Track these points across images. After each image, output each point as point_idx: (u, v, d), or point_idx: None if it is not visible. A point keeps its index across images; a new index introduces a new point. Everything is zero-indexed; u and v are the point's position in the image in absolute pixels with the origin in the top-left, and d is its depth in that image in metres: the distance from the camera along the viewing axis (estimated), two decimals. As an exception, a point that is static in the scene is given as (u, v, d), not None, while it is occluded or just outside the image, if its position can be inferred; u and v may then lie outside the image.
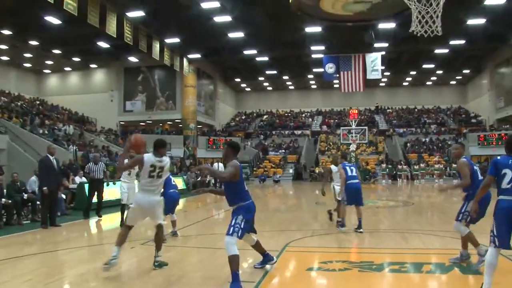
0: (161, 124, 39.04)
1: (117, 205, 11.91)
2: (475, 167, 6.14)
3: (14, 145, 21.45)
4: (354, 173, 9.74)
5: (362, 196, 9.80)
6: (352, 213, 10.19)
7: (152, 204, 6.02)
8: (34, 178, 13.36)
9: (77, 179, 16.28)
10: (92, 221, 12.10)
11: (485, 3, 23.09)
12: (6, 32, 27.36)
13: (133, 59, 34.05)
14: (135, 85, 36.95)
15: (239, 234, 5.14)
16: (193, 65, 34.08)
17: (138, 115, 37.05)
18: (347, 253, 7.65)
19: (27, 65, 37.40)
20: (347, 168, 9.77)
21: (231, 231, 5.11)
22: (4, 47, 31.59)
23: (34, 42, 30.03)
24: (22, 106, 30.53)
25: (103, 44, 29.16)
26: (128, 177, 10.48)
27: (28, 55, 34.28)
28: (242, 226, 5.19)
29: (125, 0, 21.76)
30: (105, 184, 12.66)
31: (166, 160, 6.07)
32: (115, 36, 21.50)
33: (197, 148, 34.90)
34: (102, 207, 12.74)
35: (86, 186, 14.37)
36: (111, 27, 20.82)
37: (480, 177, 5.98)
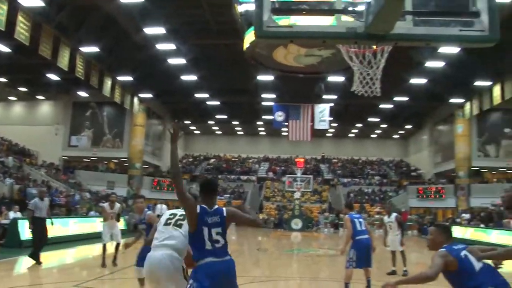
0: (106, 162, 38.23)
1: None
2: None
3: None
4: (363, 227, 7.92)
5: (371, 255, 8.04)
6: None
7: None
8: None
9: (11, 214, 15.54)
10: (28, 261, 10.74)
11: (426, 65, 24.71)
12: None
13: (83, 93, 33.48)
14: (82, 120, 36.22)
15: None
16: (144, 104, 33.97)
17: (83, 151, 36.13)
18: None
19: (-32, 91, 36.02)
20: (356, 220, 7.95)
21: None
22: None
23: (-23, 68, 29.04)
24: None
25: (52, 76, 28.48)
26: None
27: (-31, 81, 33.02)
28: None
29: (81, 35, 21.70)
30: (48, 222, 11.29)
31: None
32: (66, 69, 21.27)
33: (140, 188, 34.28)
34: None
35: (21, 222, 13.72)
36: (63, 60, 20.56)
37: None
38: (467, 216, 28.07)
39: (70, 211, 22.58)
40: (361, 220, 8.04)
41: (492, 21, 3.07)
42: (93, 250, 14.59)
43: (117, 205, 11.25)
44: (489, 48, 3.40)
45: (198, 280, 3.76)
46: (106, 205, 11.37)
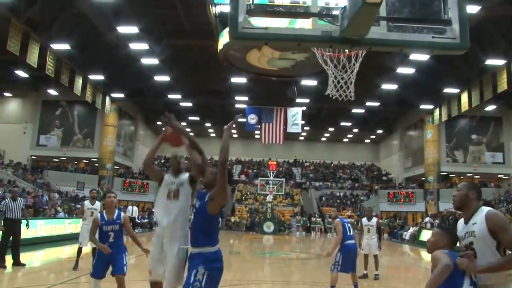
0: (76, 162, 37.55)
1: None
2: None
3: None
4: (351, 232, 8.12)
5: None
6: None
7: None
8: None
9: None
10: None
11: (397, 71, 25.13)
12: None
13: (52, 92, 32.81)
14: (52, 119, 35.46)
15: None
16: (116, 104, 33.50)
17: (52, 150, 35.37)
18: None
19: None
20: (346, 225, 8.11)
21: None
22: None
23: None
24: None
25: (21, 73, 27.81)
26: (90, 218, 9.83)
27: None
28: (203, 285, 3.66)
29: (52, 31, 21.22)
30: (24, 224, 10.99)
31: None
32: (35, 66, 20.77)
33: (111, 189, 33.71)
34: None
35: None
36: (33, 57, 20.04)
37: None
38: (427, 219, 28.61)
39: (37, 212, 22.07)
40: (349, 225, 8.17)
41: (463, 30, 3.13)
42: (61, 252, 14.32)
43: (98, 202, 10.77)
44: (457, 56, 3.46)
45: (214, 270, 3.80)
46: (87, 202, 10.60)
